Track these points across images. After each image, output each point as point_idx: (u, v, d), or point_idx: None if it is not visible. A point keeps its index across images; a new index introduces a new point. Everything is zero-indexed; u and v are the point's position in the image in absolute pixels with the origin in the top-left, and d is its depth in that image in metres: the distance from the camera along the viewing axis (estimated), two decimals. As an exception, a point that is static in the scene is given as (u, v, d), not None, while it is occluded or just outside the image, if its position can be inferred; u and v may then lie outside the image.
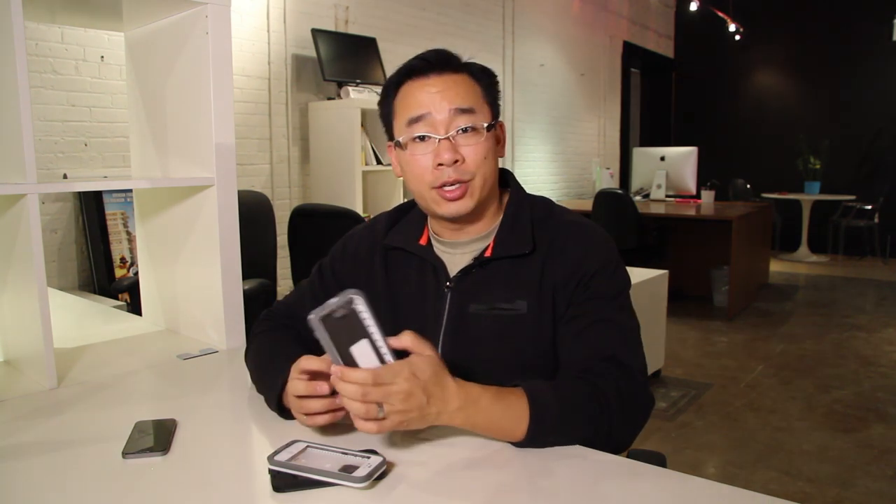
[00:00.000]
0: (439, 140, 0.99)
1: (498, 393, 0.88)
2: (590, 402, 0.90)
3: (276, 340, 1.10)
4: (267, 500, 0.78)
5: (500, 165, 1.09)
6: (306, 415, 0.92)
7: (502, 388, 0.89)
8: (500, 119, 1.07)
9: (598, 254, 1.02)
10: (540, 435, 0.87)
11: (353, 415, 0.82)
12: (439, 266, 1.07)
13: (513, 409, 0.87)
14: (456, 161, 0.98)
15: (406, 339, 0.85)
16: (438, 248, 1.10)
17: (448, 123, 0.99)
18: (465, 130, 0.99)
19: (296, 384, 0.91)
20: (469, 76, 1.02)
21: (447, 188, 1.00)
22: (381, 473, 0.81)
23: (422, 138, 1.00)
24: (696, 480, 0.82)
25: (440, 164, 0.98)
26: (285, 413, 0.98)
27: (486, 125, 1.00)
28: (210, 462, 0.89)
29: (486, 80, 1.04)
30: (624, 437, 0.95)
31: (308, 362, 0.91)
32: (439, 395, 0.83)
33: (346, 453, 0.83)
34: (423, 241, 1.10)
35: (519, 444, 0.88)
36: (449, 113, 0.98)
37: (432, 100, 0.99)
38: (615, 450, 0.93)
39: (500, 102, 1.08)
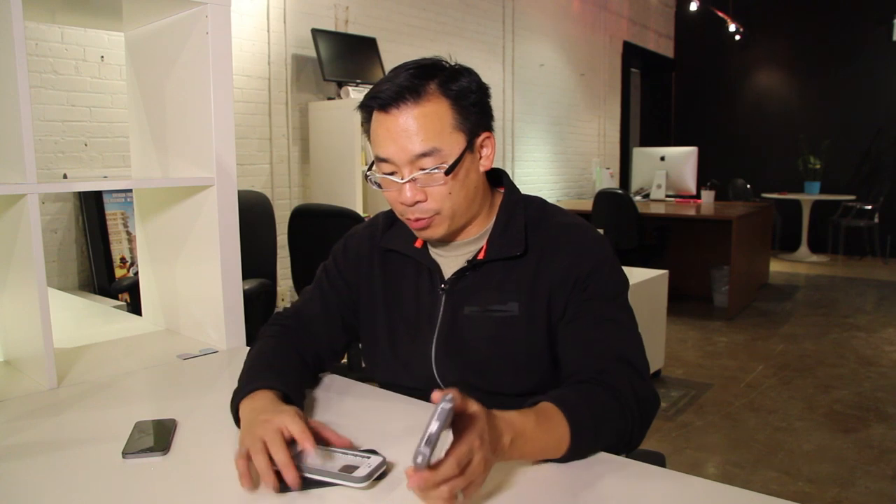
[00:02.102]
0: (401, 182, 0.98)
1: (537, 416, 0.84)
2: (617, 408, 0.90)
3: (274, 348, 1.08)
4: (267, 501, 0.78)
5: (499, 166, 1.08)
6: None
7: (536, 409, 0.86)
8: (491, 131, 1.03)
9: (593, 254, 1.02)
10: (580, 449, 0.86)
11: None
12: (434, 269, 1.07)
13: (554, 430, 0.84)
14: (417, 201, 0.98)
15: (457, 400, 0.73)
16: (433, 251, 1.10)
17: (409, 166, 0.96)
18: (426, 172, 0.96)
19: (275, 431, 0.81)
20: (438, 100, 0.96)
21: (411, 221, 1.01)
22: (381, 473, 0.80)
23: (389, 174, 0.99)
24: (696, 480, 0.82)
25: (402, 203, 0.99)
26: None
27: (447, 167, 0.95)
28: (210, 462, 0.89)
29: (462, 101, 0.97)
30: (640, 437, 0.95)
31: (294, 423, 0.83)
32: (496, 440, 0.77)
33: (346, 453, 0.83)
34: (418, 244, 1.10)
35: (558, 461, 0.86)
36: (408, 157, 0.96)
37: (393, 142, 0.96)
38: (630, 450, 0.94)
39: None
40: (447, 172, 0.96)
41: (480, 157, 1.02)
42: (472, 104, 0.99)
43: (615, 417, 0.90)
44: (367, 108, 1.00)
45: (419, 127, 0.95)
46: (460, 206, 1.00)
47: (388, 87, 0.96)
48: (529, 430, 0.81)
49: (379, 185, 1.02)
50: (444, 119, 0.96)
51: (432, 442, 0.65)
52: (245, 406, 0.93)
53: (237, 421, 0.94)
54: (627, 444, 0.93)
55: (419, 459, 0.65)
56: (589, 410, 0.87)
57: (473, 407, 0.74)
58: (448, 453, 0.69)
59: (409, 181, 0.97)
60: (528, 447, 0.81)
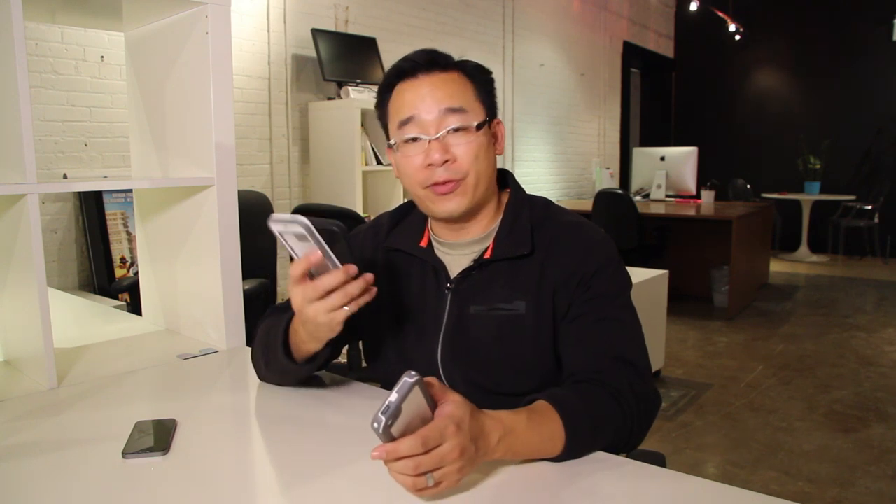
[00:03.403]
0: (429, 141, 0.98)
1: (530, 414, 0.84)
2: (615, 408, 0.90)
3: (276, 321, 1.09)
4: (267, 501, 0.78)
5: (500, 165, 1.09)
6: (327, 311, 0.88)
7: (529, 408, 0.86)
8: (499, 117, 1.07)
9: (597, 253, 1.02)
10: (576, 448, 0.85)
11: (403, 487, 0.73)
12: (440, 268, 1.07)
13: (547, 427, 0.84)
14: (447, 161, 0.98)
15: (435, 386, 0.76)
16: (439, 250, 1.10)
17: (438, 124, 0.98)
18: (455, 130, 0.98)
19: (306, 289, 0.86)
20: (461, 74, 1.02)
21: (438, 186, 1.00)
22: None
23: (413, 139, 1.00)
24: (696, 480, 0.82)
25: (430, 165, 0.98)
26: (292, 361, 1.01)
27: (476, 124, 0.99)
28: (210, 462, 0.89)
29: (479, 78, 1.03)
30: (641, 437, 0.96)
31: (297, 267, 0.86)
32: (479, 434, 0.76)
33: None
34: (423, 243, 1.10)
35: (554, 460, 0.86)
36: (438, 113, 0.98)
37: (422, 100, 0.98)
38: (629, 450, 0.94)
39: (498, 100, 1.07)
40: (479, 127, 0.99)
41: (496, 142, 1.06)
42: (488, 83, 1.04)
43: (613, 417, 0.90)
44: (396, 76, 1.02)
45: (447, 87, 0.99)
46: (483, 176, 1.02)
47: (418, 55, 1.01)
48: (520, 428, 0.81)
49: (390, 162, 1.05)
50: (468, 88, 1.02)
51: (390, 411, 0.67)
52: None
53: (292, 361, 1.01)
54: (627, 444, 0.93)
55: (375, 425, 0.67)
56: (585, 409, 0.87)
57: (454, 397, 0.75)
58: (417, 431, 0.70)
59: (436, 138, 0.98)
60: (519, 445, 0.81)
